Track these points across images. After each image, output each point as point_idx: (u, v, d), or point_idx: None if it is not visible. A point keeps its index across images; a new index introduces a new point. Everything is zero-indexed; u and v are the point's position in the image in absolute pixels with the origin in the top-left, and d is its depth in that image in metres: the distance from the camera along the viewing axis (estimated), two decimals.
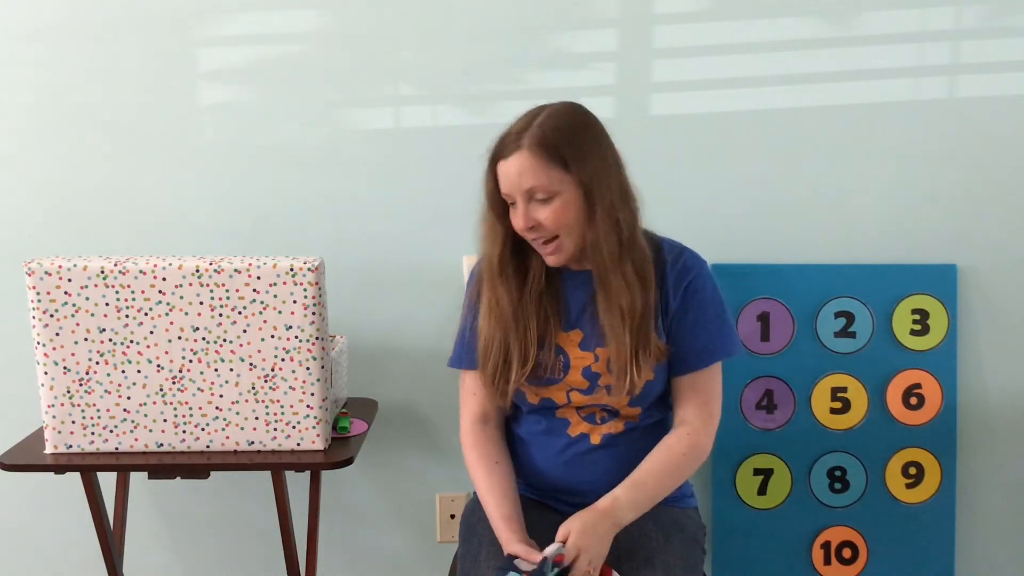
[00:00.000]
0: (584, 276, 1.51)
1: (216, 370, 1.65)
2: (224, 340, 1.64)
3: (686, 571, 1.43)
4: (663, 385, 1.51)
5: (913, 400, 2.04)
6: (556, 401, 1.51)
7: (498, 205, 1.45)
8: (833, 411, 2.05)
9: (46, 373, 1.65)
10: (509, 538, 1.39)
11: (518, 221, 1.41)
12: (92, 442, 1.68)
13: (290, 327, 1.64)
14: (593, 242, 1.42)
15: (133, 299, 1.62)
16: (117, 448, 1.68)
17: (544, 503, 1.56)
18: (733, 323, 1.54)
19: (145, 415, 1.67)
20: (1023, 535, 2.13)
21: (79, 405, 1.66)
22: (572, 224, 1.41)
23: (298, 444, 1.69)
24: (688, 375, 1.49)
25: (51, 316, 1.62)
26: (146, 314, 1.63)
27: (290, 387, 1.66)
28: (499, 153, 1.41)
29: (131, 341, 1.64)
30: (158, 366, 1.65)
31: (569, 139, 1.39)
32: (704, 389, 1.50)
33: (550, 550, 1.31)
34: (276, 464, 1.67)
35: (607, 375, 1.47)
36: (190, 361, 1.65)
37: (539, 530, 1.48)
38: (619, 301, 1.42)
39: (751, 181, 2.01)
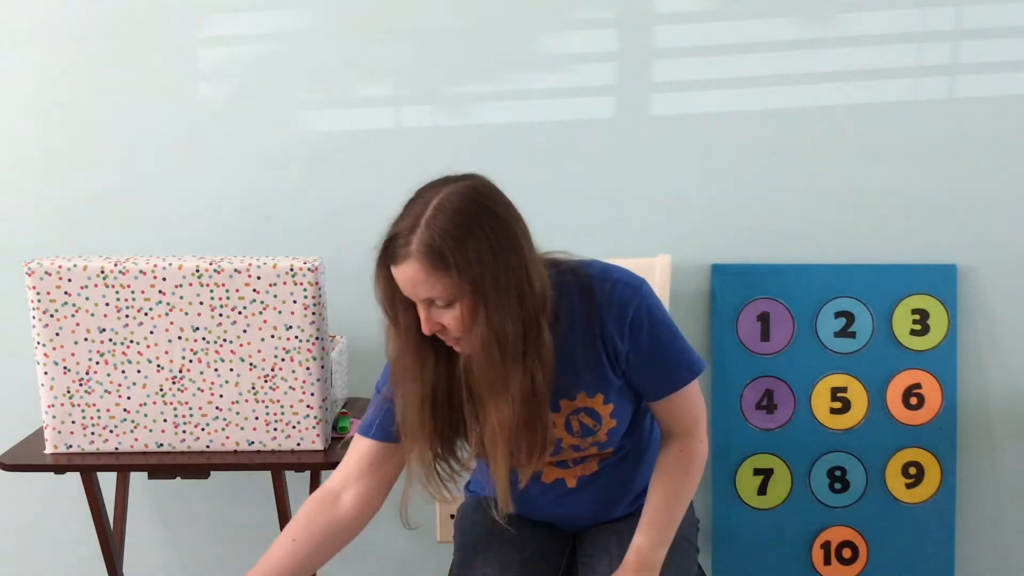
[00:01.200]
0: None
1: (216, 370, 1.65)
2: (224, 340, 1.64)
3: (677, 568, 1.43)
4: (628, 421, 1.45)
5: (913, 400, 2.04)
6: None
7: (396, 305, 1.31)
8: (833, 411, 2.05)
9: (46, 373, 1.65)
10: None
11: (423, 326, 1.28)
12: (92, 442, 1.68)
13: (290, 327, 1.64)
14: (468, 357, 1.30)
15: (133, 299, 1.62)
16: (117, 448, 1.68)
17: (541, 521, 1.54)
18: (684, 338, 1.42)
19: (145, 415, 1.67)
20: (1023, 535, 2.13)
21: (79, 405, 1.66)
22: (473, 328, 1.27)
23: (298, 444, 1.69)
24: (663, 400, 1.42)
25: (51, 316, 1.62)
26: (146, 314, 1.63)
27: (290, 387, 1.67)
28: (389, 258, 1.26)
29: (131, 341, 1.64)
30: (158, 366, 1.65)
31: (457, 242, 1.22)
32: (685, 406, 1.43)
33: None
34: (276, 464, 1.67)
35: (569, 436, 1.41)
36: (190, 361, 1.65)
37: (538, 547, 1.48)
38: (492, 421, 1.30)
39: (751, 181, 2.01)
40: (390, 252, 1.26)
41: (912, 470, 2.05)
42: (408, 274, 1.24)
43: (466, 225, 1.23)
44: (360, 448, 1.41)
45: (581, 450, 1.43)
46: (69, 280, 1.62)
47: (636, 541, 1.38)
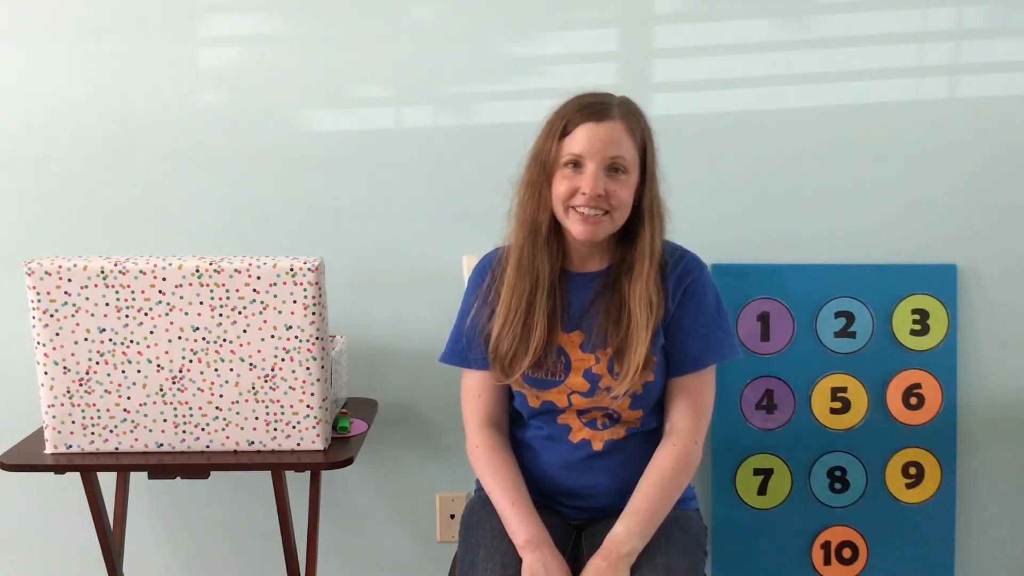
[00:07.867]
0: (587, 278, 1.52)
1: (216, 370, 1.65)
2: (224, 340, 1.64)
3: (688, 572, 1.43)
4: (662, 386, 1.51)
5: (913, 400, 2.04)
6: (557, 404, 1.51)
7: (551, 171, 1.44)
8: (833, 411, 2.05)
9: (46, 373, 1.65)
10: (518, 526, 1.42)
11: (589, 184, 1.40)
12: (92, 442, 1.68)
13: (290, 327, 1.64)
14: (642, 233, 1.45)
15: (133, 299, 1.62)
16: (117, 448, 1.68)
17: (549, 506, 1.56)
18: (732, 326, 1.53)
19: (145, 415, 1.67)
20: (1023, 535, 2.13)
21: (79, 405, 1.66)
22: (626, 206, 1.44)
23: (298, 444, 1.69)
24: (681, 378, 1.50)
25: (51, 316, 1.62)
26: (146, 314, 1.63)
27: (290, 387, 1.66)
28: (588, 115, 1.41)
29: (131, 341, 1.64)
30: (158, 366, 1.65)
31: (647, 126, 1.47)
32: (695, 392, 1.50)
33: None
34: (276, 464, 1.67)
35: (608, 377, 1.47)
36: (190, 361, 1.65)
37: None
38: (650, 294, 1.44)
39: (751, 181, 2.01)
40: (589, 110, 1.41)
41: (912, 470, 2.05)
42: (610, 130, 1.40)
43: (647, 121, 1.47)
44: (479, 383, 1.55)
45: (612, 394, 1.46)
46: (69, 280, 1.61)
47: (616, 528, 1.42)
